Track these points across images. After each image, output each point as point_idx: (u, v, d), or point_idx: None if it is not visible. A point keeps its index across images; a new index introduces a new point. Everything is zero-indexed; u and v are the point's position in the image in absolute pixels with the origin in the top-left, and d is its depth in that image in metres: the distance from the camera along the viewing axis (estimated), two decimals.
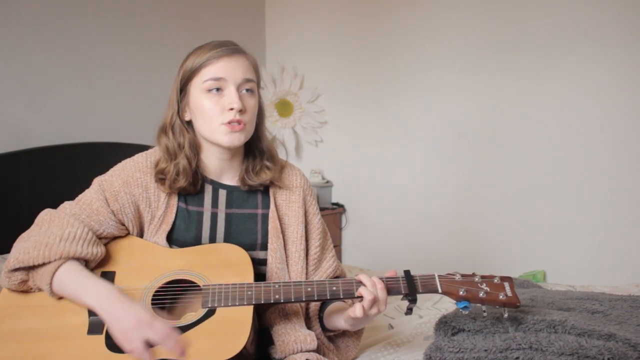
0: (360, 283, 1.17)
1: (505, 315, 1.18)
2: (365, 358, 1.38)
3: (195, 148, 1.30)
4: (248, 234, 1.31)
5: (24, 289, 1.17)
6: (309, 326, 1.29)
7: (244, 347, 1.08)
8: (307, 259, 1.35)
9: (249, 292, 1.15)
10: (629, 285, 2.10)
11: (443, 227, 3.14)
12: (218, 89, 1.23)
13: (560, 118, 2.77)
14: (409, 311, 1.19)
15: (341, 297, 1.18)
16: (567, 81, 2.74)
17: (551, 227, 2.82)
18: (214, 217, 1.30)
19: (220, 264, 1.21)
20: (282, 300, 1.15)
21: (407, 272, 1.20)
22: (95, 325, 1.12)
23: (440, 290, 1.18)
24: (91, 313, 1.13)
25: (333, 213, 3.42)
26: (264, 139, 1.35)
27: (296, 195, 1.37)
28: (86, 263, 1.18)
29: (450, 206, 3.13)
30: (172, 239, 1.27)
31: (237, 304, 1.14)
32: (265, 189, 1.36)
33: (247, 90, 1.25)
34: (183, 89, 1.28)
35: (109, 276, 1.20)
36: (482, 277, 1.20)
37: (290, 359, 1.18)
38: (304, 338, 1.20)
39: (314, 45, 3.54)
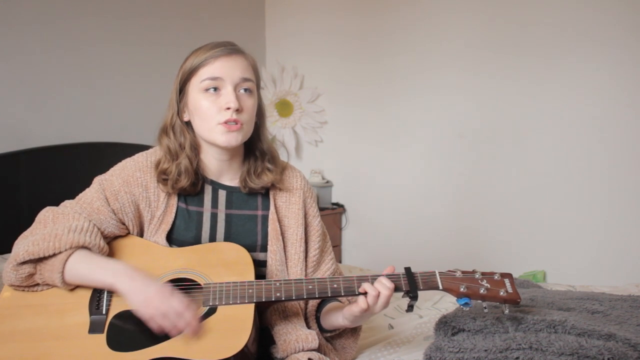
0: (362, 281, 1.17)
1: (506, 311, 1.19)
2: (365, 358, 1.38)
3: (196, 148, 1.30)
4: (248, 235, 1.31)
5: (29, 284, 1.17)
6: (306, 326, 1.29)
7: (245, 346, 1.08)
8: (306, 261, 1.35)
9: (250, 290, 1.15)
10: (629, 285, 2.10)
11: (443, 227, 3.15)
12: (215, 89, 1.23)
13: (560, 118, 2.77)
14: (410, 308, 1.20)
15: (342, 294, 1.18)
16: (567, 81, 2.74)
17: (551, 227, 2.82)
18: (213, 217, 1.30)
19: (220, 263, 1.21)
20: (283, 298, 1.16)
21: (407, 269, 1.20)
22: (96, 325, 1.12)
23: (441, 287, 1.18)
24: (92, 312, 1.13)
25: (333, 213, 3.42)
26: (265, 140, 1.35)
27: (296, 197, 1.37)
28: None
29: (450, 206, 3.13)
30: (172, 239, 1.27)
31: (238, 302, 1.14)
32: (265, 191, 1.36)
33: (245, 90, 1.25)
34: (182, 89, 1.28)
35: None
36: (483, 273, 1.20)
37: (292, 358, 1.18)
38: (306, 337, 1.20)
39: (314, 45, 3.54)
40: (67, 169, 2.37)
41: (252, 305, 1.14)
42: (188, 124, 1.30)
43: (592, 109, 2.69)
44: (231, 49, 1.26)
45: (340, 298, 1.33)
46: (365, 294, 1.16)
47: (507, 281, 1.20)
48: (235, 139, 1.23)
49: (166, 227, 1.26)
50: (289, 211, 1.35)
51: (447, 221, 3.14)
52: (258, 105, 1.31)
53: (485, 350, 1.16)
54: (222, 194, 1.32)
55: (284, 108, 3.54)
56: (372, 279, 1.18)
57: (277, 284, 1.16)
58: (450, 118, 3.09)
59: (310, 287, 1.17)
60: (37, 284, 1.17)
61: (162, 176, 1.26)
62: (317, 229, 1.38)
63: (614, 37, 2.61)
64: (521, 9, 2.83)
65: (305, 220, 1.37)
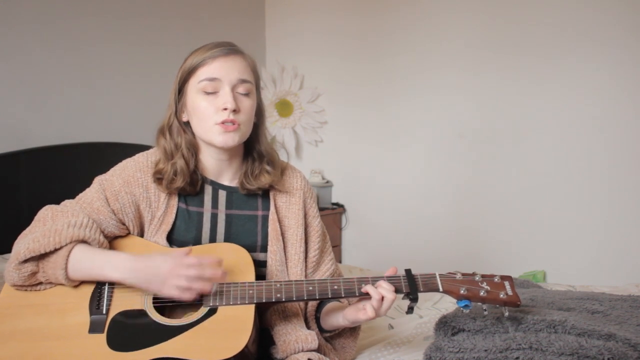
0: (362, 282, 1.18)
1: (506, 314, 1.19)
2: (365, 358, 1.38)
3: (194, 148, 1.30)
4: (248, 236, 1.31)
5: (31, 283, 1.16)
6: (306, 327, 1.29)
7: (246, 346, 1.08)
8: (305, 262, 1.35)
9: (251, 291, 1.15)
10: (629, 285, 2.10)
11: (443, 227, 3.15)
12: (213, 90, 1.23)
13: (560, 118, 2.77)
14: (410, 310, 1.20)
15: (343, 295, 1.18)
16: (567, 81, 2.74)
17: (551, 227, 2.82)
18: (214, 217, 1.30)
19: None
20: (283, 299, 1.16)
21: (408, 271, 1.20)
22: (97, 325, 1.12)
23: (441, 289, 1.18)
24: (92, 312, 1.13)
25: (333, 213, 3.42)
26: (264, 142, 1.35)
27: (296, 197, 1.37)
28: None
29: (450, 206, 3.13)
30: (172, 239, 1.27)
31: (238, 302, 1.14)
32: (265, 191, 1.36)
33: (243, 91, 1.25)
34: (181, 90, 1.29)
35: None
36: (483, 276, 1.20)
37: (292, 359, 1.18)
38: (305, 337, 1.21)
39: (314, 45, 3.54)
40: (67, 169, 2.37)
41: (253, 306, 1.14)
42: (188, 124, 1.30)
43: (592, 109, 2.69)
44: (229, 49, 1.26)
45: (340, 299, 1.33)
46: (367, 294, 1.16)
47: (507, 284, 1.20)
48: (232, 139, 1.23)
49: (166, 227, 1.26)
50: (289, 211, 1.35)
51: (447, 221, 3.14)
52: (257, 106, 1.31)
53: (485, 350, 1.16)
54: (222, 194, 1.32)
55: (284, 108, 3.54)
56: (373, 280, 1.18)
57: (278, 285, 1.16)
58: (450, 118, 3.09)
59: (310, 288, 1.17)
60: (40, 283, 1.17)
61: (157, 176, 1.26)
62: (317, 229, 1.38)
63: (614, 37, 2.61)
64: (521, 9, 2.83)
65: (305, 220, 1.37)
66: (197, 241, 1.27)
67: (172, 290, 1.10)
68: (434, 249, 3.15)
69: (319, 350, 1.24)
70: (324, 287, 1.17)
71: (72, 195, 1.28)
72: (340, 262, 3.43)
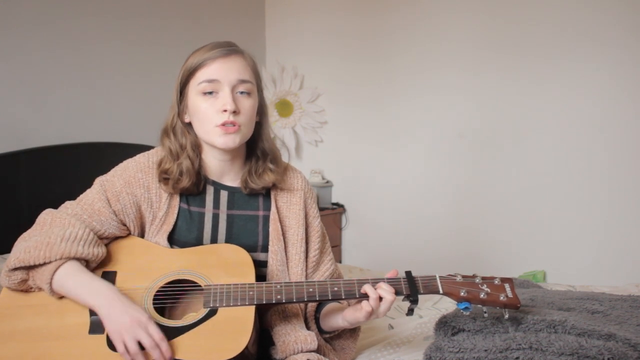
0: (362, 284, 1.18)
1: (506, 316, 1.19)
2: (365, 358, 1.38)
3: (197, 149, 1.30)
4: (249, 236, 1.31)
5: (24, 289, 1.17)
6: (306, 327, 1.29)
7: (246, 347, 1.08)
8: (306, 262, 1.35)
9: (251, 292, 1.15)
10: (629, 285, 2.10)
11: (443, 227, 3.15)
12: (213, 91, 1.23)
13: (560, 118, 2.77)
14: (410, 312, 1.20)
15: (343, 297, 1.18)
16: (567, 81, 2.74)
17: (551, 227, 2.82)
18: (215, 218, 1.30)
19: (221, 265, 1.21)
20: (284, 300, 1.16)
21: (408, 273, 1.20)
22: (97, 325, 1.12)
23: (441, 291, 1.18)
24: (92, 313, 1.13)
25: (333, 213, 3.42)
26: (267, 141, 1.34)
27: (297, 197, 1.37)
28: (87, 263, 1.18)
29: (450, 206, 3.13)
30: (174, 240, 1.27)
31: (239, 304, 1.14)
32: (266, 191, 1.36)
33: (243, 91, 1.25)
34: (182, 91, 1.28)
35: (110, 276, 1.20)
36: (483, 278, 1.20)
37: (291, 359, 1.18)
38: (305, 338, 1.20)
39: (314, 45, 3.54)
40: (67, 169, 2.37)
41: (253, 307, 1.14)
42: (190, 124, 1.30)
43: (592, 109, 2.69)
44: (228, 50, 1.26)
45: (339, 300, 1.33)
46: (366, 295, 1.16)
47: (507, 286, 1.20)
48: (232, 140, 1.23)
49: (168, 228, 1.26)
50: (290, 212, 1.35)
51: (447, 221, 3.14)
52: (259, 105, 1.31)
53: (485, 350, 1.16)
54: (223, 195, 1.32)
55: (284, 108, 3.54)
56: (373, 282, 1.18)
57: (278, 286, 1.16)
58: (450, 118, 3.09)
59: (310, 289, 1.17)
60: (32, 288, 1.17)
61: (164, 175, 1.26)
62: (317, 229, 1.38)
63: (614, 37, 2.61)
64: (521, 9, 2.83)
65: (306, 220, 1.37)
66: (199, 241, 1.27)
67: (118, 340, 1.06)
68: (434, 249, 3.15)
69: (318, 351, 1.24)
70: (324, 288, 1.17)
71: (72, 196, 1.28)
72: (340, 262, 3.43)
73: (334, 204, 3.50)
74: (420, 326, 1.63)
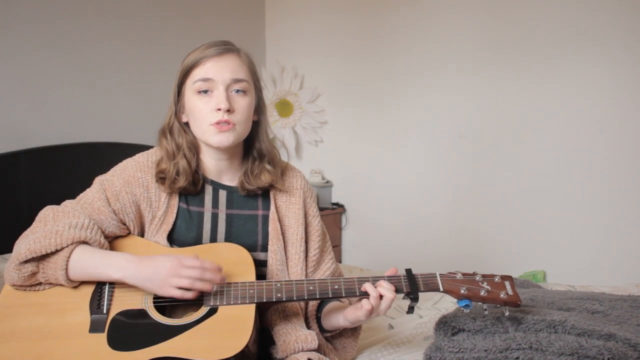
0: (363, 282, 1.18)
1: (507, 313, 1.19)
2: (365, 358, 1.38)
3: (195, 149, 1.30)
4: (248, 235, 1.31)
5: (31, 283, 1.16)
6: (307, 326, 1.29)
7: (246, 346, 1.08)
8: (306, 261, 1.35)
9: (251, 291, 1.15)
10: (629, 285, 2.10)
11: (443, 227, 3.15)
12: (207, 90, 1.23)
13: (560, 118, 2.77)
14: (411, 310, 1.20)
15: (343, 295, 1.18)
16: (567, 81, 2.74)
17: (551, 227, 2.82)
18: (214, 217, 1.30)
19: (221, 263, 1.21)
20: (284, 299, 1.16)
21: (408, 271, 1.20)
22: (97, 324, 1.12)
23: (441, 289, 1.18)
24: (93, 311, 1.13)
25: (333, 213, 3.42)
26: (264, 140, 1.34)
27: (296, 197, 1.37)
28: None
29: (450, 206, 3.13)
30: (173, 239, 1.27)
31: (239, 302, 1.14)
32: (265, 191, 1.36)
33: (238, 90, 1.25)
34: (179, 90, 1.29)
35: None
36: (483, 275, 1.20)
37: (292, 359, 1.18)
38: (305, 337, 1.21)
39: (314, 45, 3.54)
40: (67, 169, 2.37)
41: (253, 306, 1.14)
42: (187, 124, 1.30)
43: (592, 109, 2.70)
44: (223, 48, 1.25)
45: (340, 299, 1.33)
46: (366, 293, 1.16)
47: (507, 283, 1.20)
48: (227, 139, 1.23)
49: (167, 227, 1.26)
50: (289, 211, 1.35)
51: (447, 221, 3.14)
52: (257, 104, 1.31)
53: (485, 350, 1.16)
54: (222, 194, 1.32)
55: (284, 108, 3.54)
56: (373, 280, 1.18)
57: (278, 285, 1.17)
58: (450, 118, 3.09)
59: (311, 287, 1.17)
60: (39, 283, 1.17)
61: (160, 175, 1.26)
62: (317, 228, 1.39)
63: (614, 37, 2.61)
64: (521, 9, 2.83)
65: (306, 220, 1.37)
66: (198, 241, 1.28)
67: (172, 289, 1.10)
68: (434, 249, 3.15)
69: (319, 350, 1.24)
70: (324, 286, 1.18)
71: (72, 195, 1.28)
72: (340, 262, 3.43)
73: (334, 204, 3.50)
74: (420, 326, 1.63)
